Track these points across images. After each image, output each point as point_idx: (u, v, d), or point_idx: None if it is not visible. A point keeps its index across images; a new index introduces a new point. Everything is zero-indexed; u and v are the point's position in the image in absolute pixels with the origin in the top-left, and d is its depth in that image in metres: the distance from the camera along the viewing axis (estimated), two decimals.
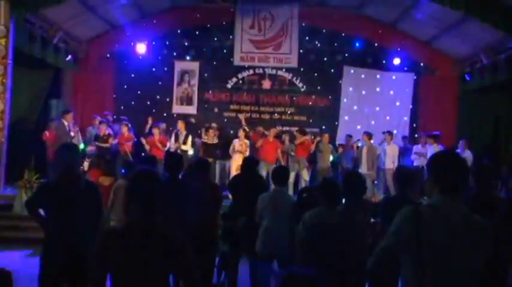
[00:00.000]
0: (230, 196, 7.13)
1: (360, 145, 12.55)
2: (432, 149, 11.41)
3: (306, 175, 11.95)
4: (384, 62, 14.41)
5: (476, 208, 2.76)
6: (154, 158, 7.14)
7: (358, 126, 14.07)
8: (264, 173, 10.80)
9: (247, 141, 11.92)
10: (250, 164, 6.62)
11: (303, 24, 14.25)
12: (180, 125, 12.25)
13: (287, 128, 13.98)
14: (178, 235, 2.59)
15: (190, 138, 12.18)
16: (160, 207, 2.60)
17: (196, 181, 5.58)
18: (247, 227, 5.82)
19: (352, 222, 3.91)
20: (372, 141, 12.13)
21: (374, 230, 4.27)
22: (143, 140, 12.19)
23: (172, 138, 12.15)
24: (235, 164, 11.30)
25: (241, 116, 13.66)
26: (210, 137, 12.02)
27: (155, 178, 2.66)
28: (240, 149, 11.69)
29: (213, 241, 5.61)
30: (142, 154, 12.01)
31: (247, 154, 11.51)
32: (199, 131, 12.91)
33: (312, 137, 12.63)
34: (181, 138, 12.13)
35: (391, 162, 11.79)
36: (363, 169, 11.67)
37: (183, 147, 11.90)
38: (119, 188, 6.62)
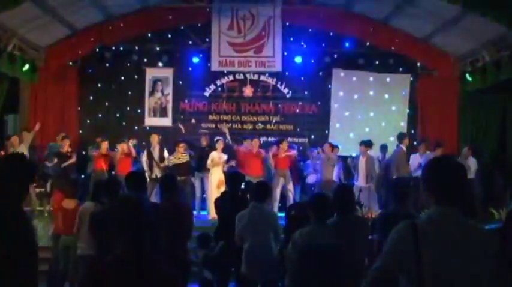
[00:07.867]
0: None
1: (353, 155, 12.58)
2: None
3: (292, 189, 11.97)
4: (376, 63, 14.42)
5: None
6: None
7: (351, 135, 14.07)
8: None
9: (223, 155, 11.92)
10: (234, 180, 6.53)
11: (287, 24, 14.23)
12: (154, 139, 12.39)
13: (272, 139, 13.97)
14: (172, 270, 2.58)
15: (166, 152, 12.22)
16: (149, 237, 2.58)
17: (162, 201, 5.54)
18: (225, 252, 5.77)
19: (344, 241, 3.91)
20: (369, 151, 12.15)
21: (371, 249, 4.27)
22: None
23: (144, 157, 12.20)
24: (214, 179, 11.37)
25: (225, 127, 13.30)
26: (178, 157, 11.93)
27: (145, 205, 2.64)
28: (218, 161, 11.70)
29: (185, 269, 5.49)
30: None
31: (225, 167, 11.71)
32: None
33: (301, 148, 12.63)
34: (156, 154, 12.13)
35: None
36: (360, 182, 11.78)
37: (170, 162, 12.00)
38: (85, 212, 6.49)
